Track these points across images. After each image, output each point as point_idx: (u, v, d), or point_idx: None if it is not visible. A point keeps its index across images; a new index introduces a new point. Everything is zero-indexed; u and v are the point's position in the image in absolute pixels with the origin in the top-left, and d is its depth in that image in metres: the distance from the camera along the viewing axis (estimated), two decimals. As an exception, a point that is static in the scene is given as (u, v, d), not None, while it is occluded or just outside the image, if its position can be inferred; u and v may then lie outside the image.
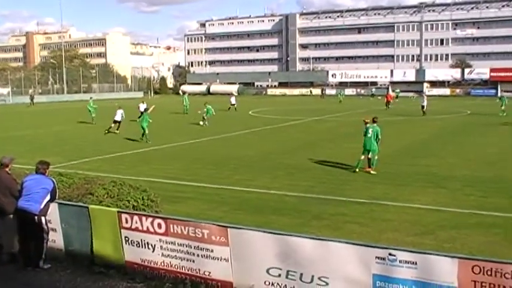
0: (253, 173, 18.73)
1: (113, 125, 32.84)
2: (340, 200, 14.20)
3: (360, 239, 8.93)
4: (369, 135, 18.26)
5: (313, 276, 7.07)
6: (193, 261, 7.95)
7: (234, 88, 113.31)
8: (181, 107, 50.18)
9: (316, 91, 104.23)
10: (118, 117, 33.07)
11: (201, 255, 7.85)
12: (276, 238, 7.38)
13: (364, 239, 9.39)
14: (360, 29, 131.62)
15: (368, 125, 18.67)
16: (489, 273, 6.08)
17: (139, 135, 28.38)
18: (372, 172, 18.00)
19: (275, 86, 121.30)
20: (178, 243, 8.01)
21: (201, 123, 36.98)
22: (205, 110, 37.51)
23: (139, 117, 31.53)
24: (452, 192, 15.08)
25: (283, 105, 60.60)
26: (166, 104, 66.99)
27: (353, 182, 16.86)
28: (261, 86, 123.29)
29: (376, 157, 18.40)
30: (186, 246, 7.94)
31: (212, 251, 7.75)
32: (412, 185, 16.23)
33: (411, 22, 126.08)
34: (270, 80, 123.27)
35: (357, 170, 18.26)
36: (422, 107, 46.49)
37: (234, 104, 54.16)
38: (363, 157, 18.41)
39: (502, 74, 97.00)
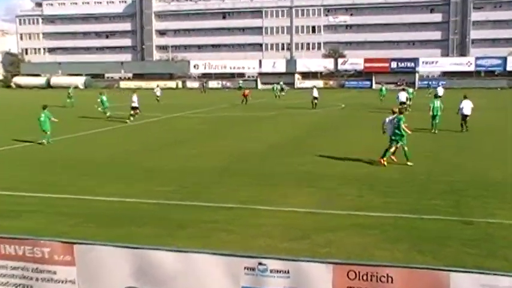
0: (107, 178, 18.33)
1: (132, 111, 38.13)
2: (206, 206, 14.30)
3: (229, 248, 9.00)
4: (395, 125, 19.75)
5: (175, 294, 7.01)
6: (32, 287, 7.57)
7: (80, 80, 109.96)
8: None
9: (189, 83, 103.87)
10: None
11: (41, 279, 7.46)
12: (130, 253, 7.19)
13: (234, 248, 9.50)
14: (224, 14, 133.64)
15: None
16: (365, 277, 6.37)
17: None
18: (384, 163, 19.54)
19: (129, 78, 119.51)
20: (11, 267, 7.56)
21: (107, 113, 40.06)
22: (99, 101, 40.47)
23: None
24: (328, 192, 15.78)
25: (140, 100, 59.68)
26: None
27: (219, 184, 17.06)
28: (112, 78, 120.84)
29: (405, 148, 19.74)
30: (22, 269, 7.50)
31: (55, 272, 7.41)
32: (285, 186, 16.72)
33: (280, 7, 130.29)
34: (122, 71, 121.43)
35: (384, 161, 19.50)
36: (315, 98, 48.97)
37: (159, 96, 60.77)
38: (393, 149, 19.80)
39: (376, 64, 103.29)
